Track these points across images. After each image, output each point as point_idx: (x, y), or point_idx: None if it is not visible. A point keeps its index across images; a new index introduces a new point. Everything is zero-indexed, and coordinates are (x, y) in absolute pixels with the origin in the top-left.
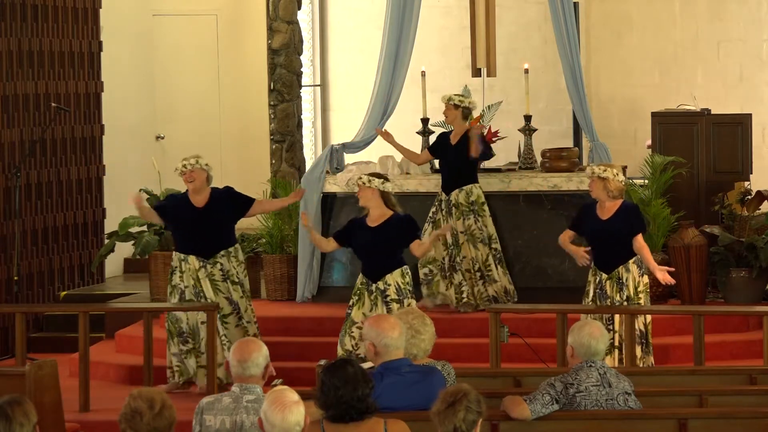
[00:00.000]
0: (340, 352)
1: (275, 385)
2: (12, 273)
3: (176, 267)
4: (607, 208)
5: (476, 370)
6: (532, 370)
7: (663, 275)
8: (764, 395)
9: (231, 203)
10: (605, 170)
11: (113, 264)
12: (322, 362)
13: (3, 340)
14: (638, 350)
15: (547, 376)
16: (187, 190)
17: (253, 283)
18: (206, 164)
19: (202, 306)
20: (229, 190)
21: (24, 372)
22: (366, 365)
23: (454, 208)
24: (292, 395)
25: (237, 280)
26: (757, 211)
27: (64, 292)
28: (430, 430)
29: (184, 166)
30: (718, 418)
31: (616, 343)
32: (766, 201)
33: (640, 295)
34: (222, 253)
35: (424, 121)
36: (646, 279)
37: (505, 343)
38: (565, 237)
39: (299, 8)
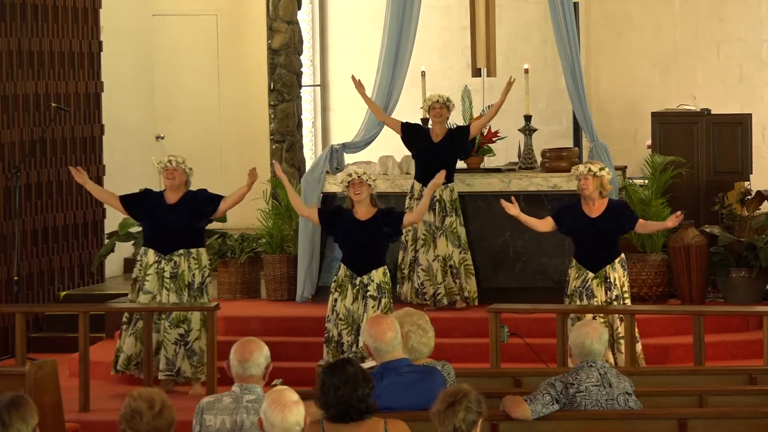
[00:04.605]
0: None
1: (275, 385)
2: (12, 273)
3: (138, 260)
4: (596, 207)
5: (476, 370)
6: (532, 370)
7: (674, 221)
8: (764, 395)
9: (197, 203)
10: (601, 168)
11: (113, 264)
12: (322, 362)
13: (3, 340)
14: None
15: (547, 376)
16: (164, 189)
17: (253, 283)
18: (190, 168)
19: (202, 306)
20: (200, 193)
21: (24, 372)
22: (366, 365)
23: (437, 203)
24: (292, 395)
25: (186, 282)
26: (757, 211)
27: (64, 292)
28: (430, 430)
29: (169, 161)
30: (718, 418)
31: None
32: (766, 201)
33: (626, 295)
34: (180, 251)
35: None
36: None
37: (505, 343)
38: (536, 220)
39: (299, 8)
